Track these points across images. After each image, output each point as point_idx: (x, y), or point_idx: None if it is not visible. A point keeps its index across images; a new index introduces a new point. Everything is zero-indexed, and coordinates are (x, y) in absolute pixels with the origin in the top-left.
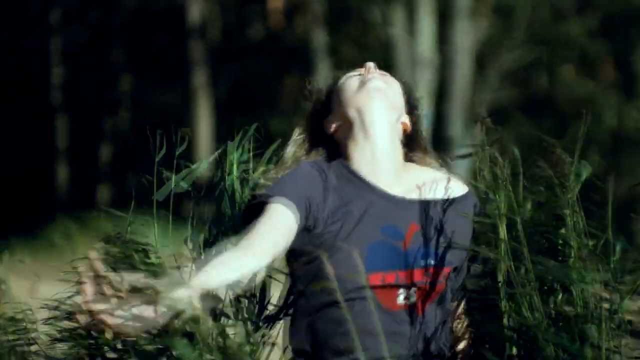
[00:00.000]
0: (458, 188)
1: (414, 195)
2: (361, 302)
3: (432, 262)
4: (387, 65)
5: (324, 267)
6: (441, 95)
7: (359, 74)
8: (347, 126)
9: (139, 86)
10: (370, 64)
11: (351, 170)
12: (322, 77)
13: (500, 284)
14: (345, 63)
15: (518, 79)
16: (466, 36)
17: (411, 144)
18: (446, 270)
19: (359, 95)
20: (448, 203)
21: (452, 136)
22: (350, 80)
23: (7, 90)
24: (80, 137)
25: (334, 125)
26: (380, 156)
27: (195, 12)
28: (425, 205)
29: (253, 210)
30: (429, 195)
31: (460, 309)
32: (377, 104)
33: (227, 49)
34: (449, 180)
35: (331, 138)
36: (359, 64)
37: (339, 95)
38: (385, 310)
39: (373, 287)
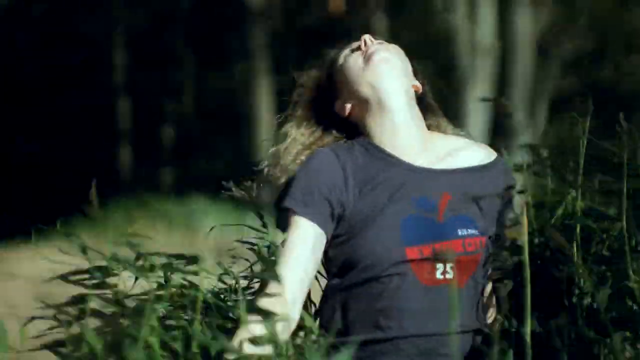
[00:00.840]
0: (486, 155)
1: (442, 165)
2: (398, 279)
3: (469, 231)
4: (447, 52)
5: (357, 246)
6: (502, 83)
7: (358, 49)
8: (363, 104)
9: (201, 70)
10: (366, 36)
11: (375, 146)
12: (422, 79)
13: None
14: (406, 50)
15: (581, 68)
16: (527, 24)
17: (423, 108)
18: (483, 239)
19: (368, 70)
20: (479, 170)
21: (513, 125)
22: (352, 58)
23: (71, 74)
24: (143, 120)
25: (348, 106)
26: (403, 128)
27: None
28: (455, 174)
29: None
30: (457, 163)
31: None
32: (389, 75)
33: (287, 34)
34: (476, 147)
35: (343, 121)
36: (415, 54)
37: (344, 75)
38: (424, 287)
39: (410, 261)
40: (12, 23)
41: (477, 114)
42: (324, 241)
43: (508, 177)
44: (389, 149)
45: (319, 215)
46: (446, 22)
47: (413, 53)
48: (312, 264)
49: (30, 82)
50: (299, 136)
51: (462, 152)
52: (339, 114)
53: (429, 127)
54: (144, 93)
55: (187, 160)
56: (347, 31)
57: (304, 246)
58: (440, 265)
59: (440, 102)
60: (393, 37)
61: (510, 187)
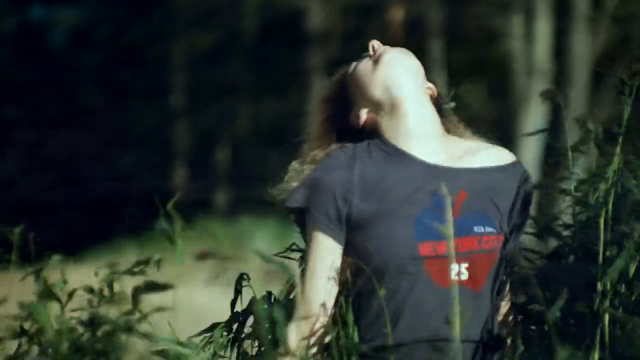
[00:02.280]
0: (505, 156)
1: (459, 164)
2: (410, 279)
3: (485, 229)
4: (503, 74)
5: (369, 243)
6: (557, 106)
7: (367, 56)
8: (376, 108)
9: (258, 93)
10: (374, 42)
11: (391, 145)
12: (438, 87)
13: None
14: (461, 75)
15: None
16: (583, 46)
17: (440, 113)
18: (500, 237)
19: (379, 70)
20: (496, 170)
21: (567, 148)
22: (362, 64)
23: (132, 94)
24: (200, 141)
25: (363, 113)
26: (418, 125)
27: (316, 20)
28: (472, 173)
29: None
30: (475, 163)
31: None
32: (400, 71)
33: (345, 58)
34: (494, 149)
35: (358, 133)
36: (470, 79)
37: (356, 81)
38: (437, 287)
39: (424, 259)
40: (78, 45)
41: (532, 138)
42: (341, 251)
43: (527, 182)
44: (404, 148)
45: (335, 228)
46: (502, 45)
47: (469, 76)
48: (333, 273)
49: (91, 102)
50: (315, 153)
51: (480, 152)
52: (355, 125)
53: (447, 132)
54: (201, 115)
55: (241, 183)
56: None
57: (325, 262)
58: (454, 266)
59: (495, 123)
60: (449, 61)
61: (529, 194)
